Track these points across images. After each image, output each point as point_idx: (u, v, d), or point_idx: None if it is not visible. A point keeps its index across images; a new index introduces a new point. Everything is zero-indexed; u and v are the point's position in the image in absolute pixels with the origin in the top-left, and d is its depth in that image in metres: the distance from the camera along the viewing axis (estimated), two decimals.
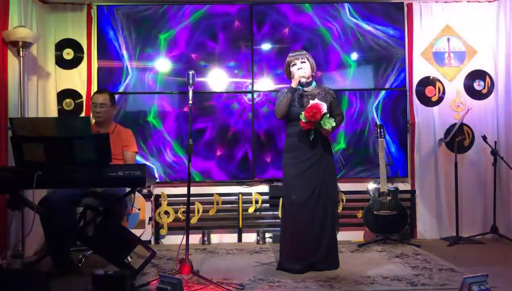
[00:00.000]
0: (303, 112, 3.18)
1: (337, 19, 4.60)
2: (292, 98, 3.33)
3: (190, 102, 3.10)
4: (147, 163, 4.43)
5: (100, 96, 3.59)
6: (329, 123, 3.18)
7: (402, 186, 4.57)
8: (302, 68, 3.35)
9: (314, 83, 3.45)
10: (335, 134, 4.43)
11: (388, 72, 4.61)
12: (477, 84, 4.66)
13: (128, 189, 3.11)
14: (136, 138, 3.82)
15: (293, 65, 3.40)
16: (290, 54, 3.47)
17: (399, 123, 4.60)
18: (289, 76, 3.49)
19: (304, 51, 3.46)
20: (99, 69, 4.50)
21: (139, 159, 4.30)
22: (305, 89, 3.40)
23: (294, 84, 3.32)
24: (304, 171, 3.29)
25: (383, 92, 4.60)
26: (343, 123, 3.88)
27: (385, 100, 4.60)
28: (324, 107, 3.16)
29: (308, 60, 3.40)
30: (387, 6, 4.62)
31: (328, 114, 3.19)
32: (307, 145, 3.29)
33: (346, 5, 4.60)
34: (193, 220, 4.40)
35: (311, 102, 3.19)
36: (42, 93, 4.29)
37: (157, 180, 4.36)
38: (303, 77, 3.32)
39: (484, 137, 4.41)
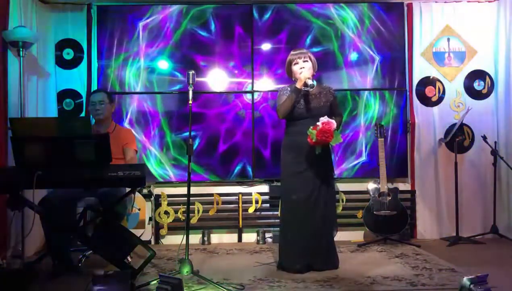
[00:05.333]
0: (312, 130, 3.08)
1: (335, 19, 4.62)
2: (297, 99, 3.30)
3: (190, 102, 3.09)
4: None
5: (97, 95, 3.64)
6: (337, 141, 3.11)
7: (402, 186, 4.57)
8: (304, 68, 3.30)
9: (315, 83, 3.40)
10: None
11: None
12: (477, 84, 4.66)
13: (128, 189, 3.11)
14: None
15: (295, 64, 3.35)
16: (292, 53, 3.42)
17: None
18: (289, 75, 3.45)
19: (306, 50, 3.42)
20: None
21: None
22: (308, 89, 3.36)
23: (299, 85, 3.25)
24: (303, 170, 3.28)
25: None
26: (342, 122, 3.85)
27: None
28: (334, 125, 3.08)
29: (310, 59, 3.36)
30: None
31: (336, 130, 3.12)
32: (306, 145, 3.25)
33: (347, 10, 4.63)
34: (193, 220, 4.40)
35: (321, 119, 3.08)
36: (42, 93, 4.29)
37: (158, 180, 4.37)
38: (309, 79, 3.24)
39: (484, 137, 4.41)
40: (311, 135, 3.10)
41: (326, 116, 3.12)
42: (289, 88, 3.36)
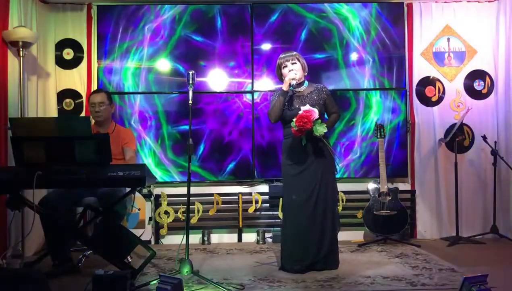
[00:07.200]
0: (294, 119, 3.11)
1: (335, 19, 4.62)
2: (285, 101, 3.30)
3: (190, 102, 3.09)
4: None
5: (97, 96, 3.61)
6: (320, 130, 3.11)
7: (402, 186, 4.58)
8: (293, 70, 3.30)
9: (306, 83, 3.40)
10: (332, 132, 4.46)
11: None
12: (477, 84, 4.65)
13: (128, 189, 3.11)
14: None
15: (284, 67, 3.35)
16: (280, 56, 3.41)
17: None
18: (280, 78, 3.45)
19: (295, 52, 3.40)
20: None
21: None
22: (297, 90, 3.36)
23: (285, 87, 3.27)
24: (302, 170, 3.28)
25: None
26: (339, 120, 3.84)
27: None
28: (315, 114, 3.09)
29: (299, 60, 3.35)
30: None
31: (320, 120, 3.13)
32: (303, 146, 3.24)
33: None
34: (193, 220, 4.40)
35: (302, 108, 3.12)
36: (42, 93, 4.29)
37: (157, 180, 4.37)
38: (293, 79, 3.26)
39: (484, 137, 4.41)
40: (292, 124, 3.12)
41: (308, 105, 3.15)
42: (279, 92, 3.36)
